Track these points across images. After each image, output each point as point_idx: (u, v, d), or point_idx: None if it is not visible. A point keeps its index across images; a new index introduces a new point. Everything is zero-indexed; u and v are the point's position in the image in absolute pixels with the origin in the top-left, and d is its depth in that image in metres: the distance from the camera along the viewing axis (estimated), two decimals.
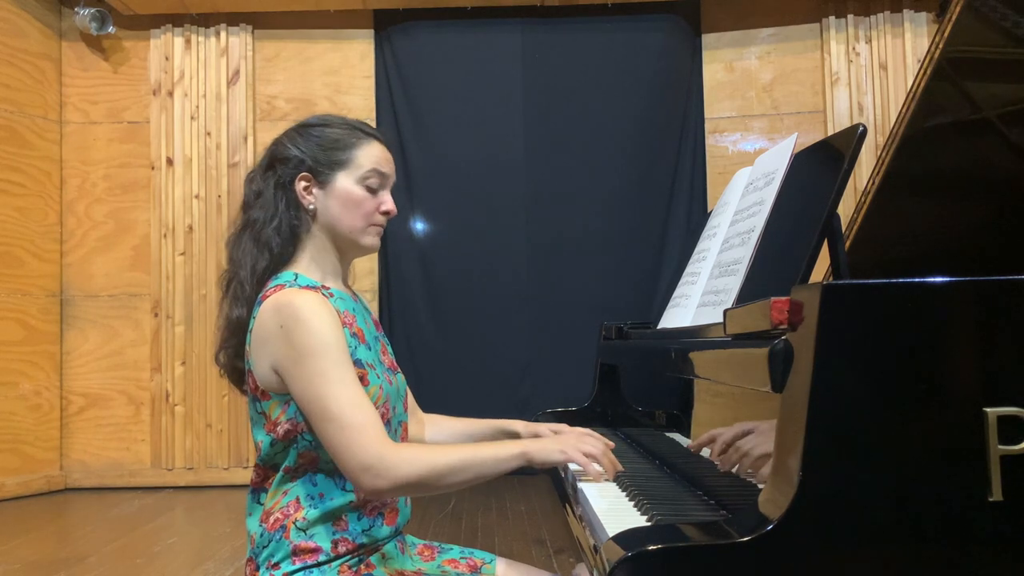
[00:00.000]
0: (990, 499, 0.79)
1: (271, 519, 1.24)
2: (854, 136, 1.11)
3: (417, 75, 4.62)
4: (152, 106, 4.61)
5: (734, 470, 1.07)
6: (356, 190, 1.29)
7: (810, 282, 1.02)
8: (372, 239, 1.32)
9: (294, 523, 1.22)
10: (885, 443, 0.81)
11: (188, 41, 4.61)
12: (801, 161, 1.28)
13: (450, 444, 1.46)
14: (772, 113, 4.59)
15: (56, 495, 4.38)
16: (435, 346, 4.56)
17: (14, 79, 4.35)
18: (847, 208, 2.96)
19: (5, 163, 4.30)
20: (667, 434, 1.47)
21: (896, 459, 0.81)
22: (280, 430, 1.22)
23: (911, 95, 1.43)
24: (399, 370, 1.39)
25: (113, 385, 4.55)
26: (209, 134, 4.59)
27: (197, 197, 4.56)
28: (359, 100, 4.63)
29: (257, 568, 1.25)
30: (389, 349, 1.41)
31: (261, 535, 1.25)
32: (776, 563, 0.80)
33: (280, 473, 1.25)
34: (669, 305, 1.67)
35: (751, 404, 1.03)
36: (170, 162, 4.57)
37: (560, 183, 4.56)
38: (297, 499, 1.23)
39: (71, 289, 4.58)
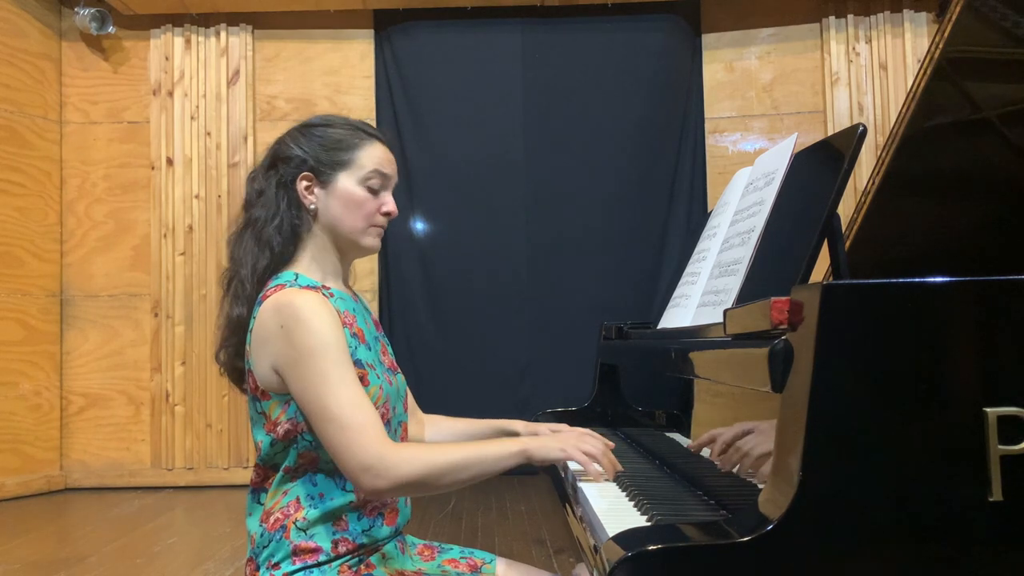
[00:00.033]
0: (990, 499, 0.79)
1: (271, 519, 1.24)
2: (854, 136, 1.11)
3: (417, 75, 4.62)
4: (152, 106, 4.61)
5: (734, 470, 1.07)
6: (357, 191, 1.29)
7: (810, 282, 1.02)
8: (373, 240, 1.32)
9: (294, 523, 1.22)
10: (885, 443, 0.81)
11: (188, 41, 4.61)
12: (801, 161, 1.28)
13: (450, 443, 1.46)
14: (772, 113, 4.59)
15: (56, 495, 4.38)
16: (435, 346, 4.56)
17: (14, 79, 4.35)
18: (847, 208, 2.96)
19: (5, 163, 4.30)
20: (667, 434, 1.47)
21: (896, 459, 0.81)
22: (280, 430, 1.22)
23: (911, 95, 1.43)
24: (399, 370, 1.40)
25: (113, 385, 4.55)
26: (209, 134, 4.59)
27: (197, 197, 4.56)
28: (359, 100, 4.63)
29: (257, 568, 1.25)
30: (389, 349, 1.41)
31: (261, 535, 1.25)
32: (776, 563, 0.80)
33: (280, 473, 1.25)
34: (669, 305, 1.67)
35: (751, 404, 1.03)
36: (170, 162, 4.57)
37: (560, 183, 4.56)
38: (297, 499, 1.23)
39: (71, 289, 4.58)
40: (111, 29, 4.51)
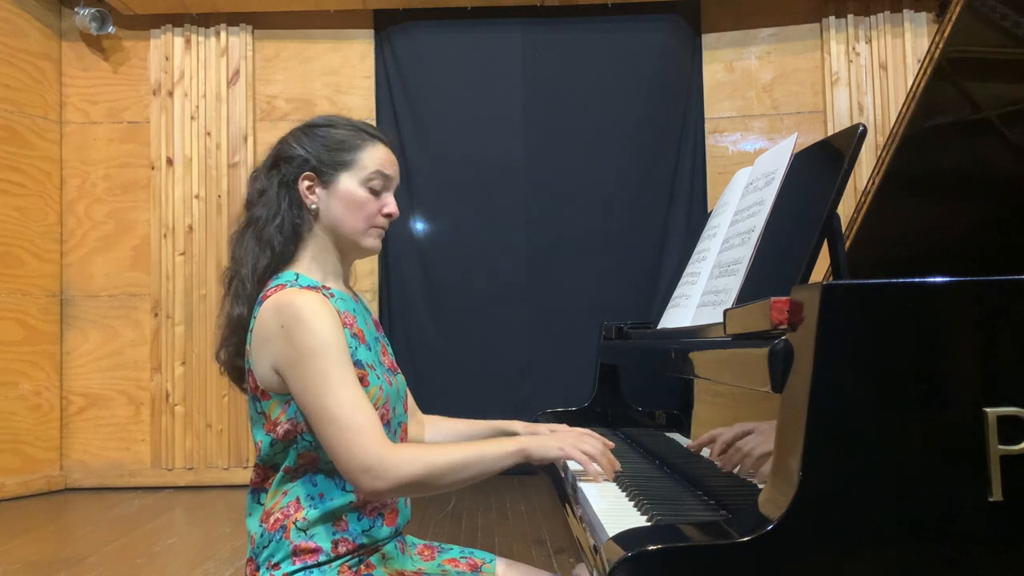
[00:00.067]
0: (990, 499, 0.79)
1: (271, 519, 1.24)
2: (854, 136, 1.11)
3: (417, 75, 4.62)
4: (152, 106, 4.61)
5: (735, 471, 1.07)
6: (359, 191, 1.29)
7: (810, 282, 1.02)
8: (373, 241, 1.32)
9: (294, 523, 1.22)
10: (885, 443, 0.81)
11: (188, 41, 4.61)
12: (801, 161, 1.28)
13: (448, 443, 1.46)
14: (772, 113, 4.59)
15: (56, 495, 4.38)
16: (435, 346, 4.56)
17: (14, 79, 4.35)
18: (847, 208, 2.96)
19: (5, 163, 4.30)
20: (667, 434, 1.47)
21: (896, 459, 0.81)
22: (280, 430, 1.22)
23: (911, 95, 1.43)
24: (399, 371, 1.40)
25: (113, 385, 4.55)
26: (209, 134, 4.59)
27: (197, 197, 4.56)
28: (359, 100, 4.63)
29: (257, 568, 1.25)
30: (389, 350, 1.41)
31: (261, 535, 1.25)
32: (776, 563, 0.80)
33: (280, 473, 1.25)
34: (669, 305, 1.67)
35: (751, 404, 1.03)
36: (170, 162, 4.57)
37: (560, 183, 4.56)
38: (297, 499, 1.23)
39: (71, 289, 4.58)
40: (111, 29, 4.51)
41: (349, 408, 1.15)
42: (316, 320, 1.18)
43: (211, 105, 4.59)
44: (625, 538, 0.84)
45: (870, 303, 0.83)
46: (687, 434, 1.34)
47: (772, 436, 0.88)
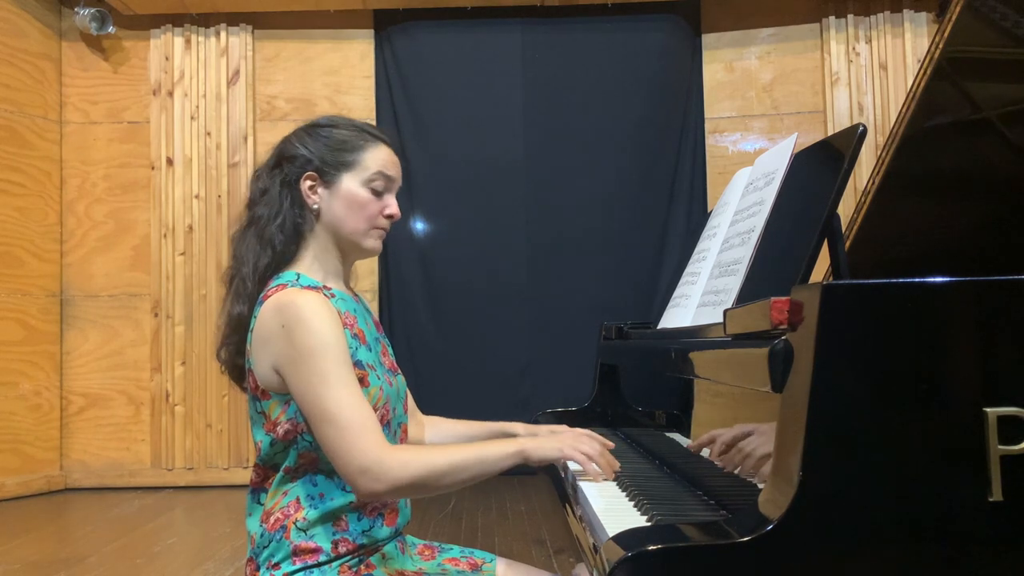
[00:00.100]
0: (990, 499, 0.79)
1: (271, 519, 1.24)
2: (854, 136, 1.11)
3: (417, 75, 4.62)
4: (152, 106, 4.61)
5: (735, 471, 1.07)
6: (361, 192, 1.29)
7: (810, 282, 1.02)
8: (374, 242, 1.32)
9: (294, 523, 1.22)
10: (885, 443, 0.81)
11: (188, 41, 4.61)
12: (801, 161, 1.28)
13: (447, 445, 1.46)
14: (772, 113, 4.59)
15: (56, 495, 4.38)
16: (435, 346, 4.56)
17: (14, 79, 4.35)
18: (847, 208, 2.96)
19: (5, 163, 4.30)
20: (667, 434, 1.47)
21: (896, 459, 0.81)
22: (280, 430, 1.22)
23: (911, 95, 1.43)
24: (399, 371, 1.40)
25: (113, 385, 4.55)
26: (209, 134, 4.59)
27: (197, 197, 4.56)
28: (359, 100, 4.63)
29: (257, 568, 1.25)
30: (390, 350, 1.41)
31: (261, 535, 1.25)
32: (776, 563, 0.80)
33: (280, 473, 1.25)
34: (669, 305, 1.67)
35: (751, 404, 1.03)
36: (170, 162, 4.57)
37: (560, 183, 4.56)
38: (297, 499, 1.23)
39: (71, 289, 4.58)
40: (111, 29, 4.51)
41: (348, 409, 1.15)
42: (317, 320, 1.18)
43: (211, 105, 4.59)
44: (625, 538, 0.84)
45: (870, 303, 0.83)
46: (687, 434, 1.34)
47: (771, 437, 0.88)
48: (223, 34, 4.61)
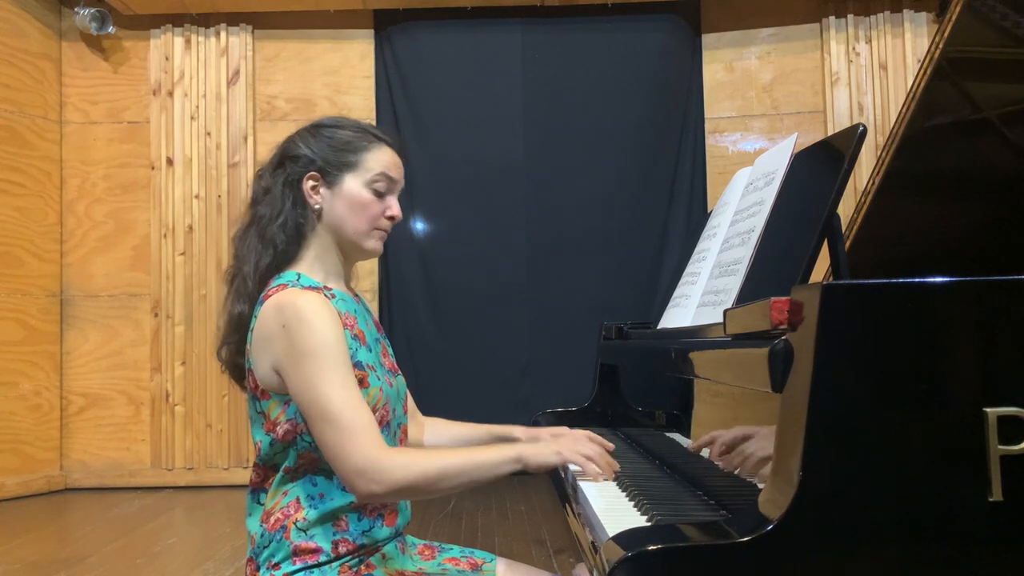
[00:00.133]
0: (990, 499, 0.79)
1: (271, 519, 1.24)
2: (854, 136, 1.11)
3: (417, 75, 4.62)
4: (152, 106, 4.61)
5: (736, 472, 1.07)
6: (363, 193, 1.29)
7: (810, 282, 1.02)
8: (375, 243, 1.32)
9: (294, 523, 1.22)
10: (885, 443, 0.81)
11: (188, 41, 4.61)
12: (801, 161, 1.28)
13: (446, 448, 1.46)
14: (772, 113, 4.59)
15: (56, 495, 4.38)
16: (435, 346, 4.56)
17: (14, 79, 4.35)
18: (847, 208, 2.96)
19: (5, 163, 4.30)
20: (667, 434, 1.47)
21: (896, 459, 0.81)
22: (279, 430, 1.22)
23: (911, 95, 1.43)
24: (399, 372, 1.40)
25: (113, 385, 4.55)
26: (209, 134, 4.59)
27: (197, 197, 4.56)
28: (359, 100, 4.63)
29: (257, 568, 1.25)
30: (390, 351, 1.41)
31: (261, 535, 1.25)
32: (776, 563, 0.80)
33: (280, 473, 1.25)
34: (669, 305, 1.67)
35: (751, 404, 1.03)
36: (170, 162, 4.57)
37: (560, 183, 4.56)
38: (297, 499, 1.23)
39: (71, 289, 4.58)
40: (111, 29, 4.51)
41: (347, 409, 1.15)
42: (317, 320, 1.18)
43: (211, 105, 4.59)
44: (625, 538, 0.84)
45: (870, 303, 0.83)
46: (687, 434, 1.34)
47: (771, 440, 0.88)
48: (223, 34, 4.61)
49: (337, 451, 1.14)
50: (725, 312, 1.07)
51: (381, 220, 1.31)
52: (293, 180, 1.30)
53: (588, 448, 1.26)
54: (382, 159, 1.31)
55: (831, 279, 1.09)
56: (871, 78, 4.45)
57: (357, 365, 1.23)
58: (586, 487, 1.27)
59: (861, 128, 1.10)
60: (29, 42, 4.43)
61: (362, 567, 1.24)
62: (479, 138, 4.57)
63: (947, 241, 1.49)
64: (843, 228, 1.24)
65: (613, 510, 1.13)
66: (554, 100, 4.58)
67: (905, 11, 4.42)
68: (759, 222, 1.28)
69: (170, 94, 4.60)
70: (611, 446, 1.32)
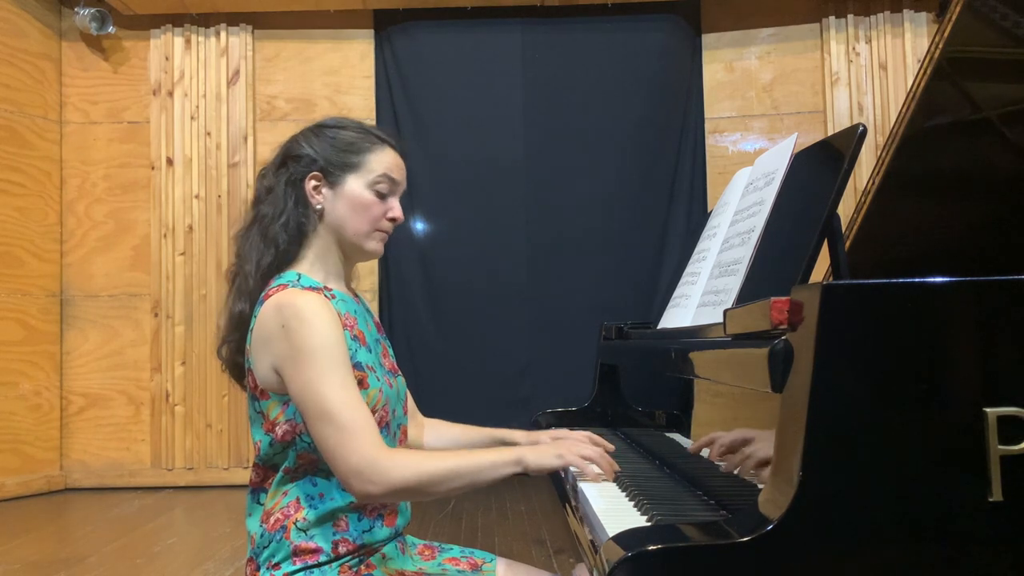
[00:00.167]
0: (990, 499, 0.79)
1: (271, 519, 1.24)
2: (854, 136, 1.11)
3: (417, 75, 4.62)
4: (152, 106, 4.61)
5: (736, 472, 1.07)
6: (365, 194, 1.29)
7: (810, 282, 1.02)
8: (376, 244, 1.32)
9: (294, 524, 1.22)
10: (885, 443, 0.81)
11: (188, 41, 4.61)
12: (801, 161, 1.28)
13: (445, 451, 1.46)
14: (772, 113, 4.59)
15: (56, 495, 4.38)
16: (435, 346, 4.56)
17: (14, 79, 4.35)
18: (847, 208, 2.96)
19: (5, 163, 4.30)
20: (667, 434, 1.47)
21: (896, 459, 0.81)
22: (279, 431, 1.22)
23: (911, 95, 1.43)
24: (400, 373, 1.40)
25: (113, 385, 4.55)
26: (209, 134, 4.59)
27: (197, 197, 4.56)
28: (359, 100, 4.63)
29: (257, 568, 1.25)
30: (390, 351, 1.41)
31: (261, 535, 1.25)
32: (776, 563, 0.80)
33: (280, 474, 1.25)
34: (669, 305, 1.67)
35: (751, 404, 1.03)
36: (170, 162, 4.57)
37: (560, 183, 4.56)
38: (297, 500, 1.24)
39: (71, 289, 4.58)
40: (111, 29, 4.51)
41: (346, 409, 1.15)
42: (317, 321, 1.18)
43: (211, 105, 4.59)
44: (625, 538, 0.84)
45: (870, 303, 0.83)
46: (687, 434, 1.34)
47: (771, 441, 0.88)
48: (223, 34, 4.61)
49: (336, 451, 1.14)
50: (725, 312, 1.07)
51: (382, 221, 1.31)
52: (295, 180, 1.30)
53: (588, 450, 1.26)
54: (385, 160, 1.31)
55: (831, 279, 1.09)
56: (871, 78, 4.45)
57: (357, 366, 1.23)
58: (586, 487, 1.27)
59: (861, 128, 1.10)
60: (29, 42, 4.43)
61: (362, 567, 1.24)
62: (479, 138, 4.57)
63: (947, 241, 1.49)
64: (843, 228, 1.24)
65: (613, 510, 1.13)
66: (554, 100, 4.58)
67: (905, 11, 4.42)
68: (759, 222, 1.28)
69: (170, 94, 4.60)
70: (611, 447, 1.32)
